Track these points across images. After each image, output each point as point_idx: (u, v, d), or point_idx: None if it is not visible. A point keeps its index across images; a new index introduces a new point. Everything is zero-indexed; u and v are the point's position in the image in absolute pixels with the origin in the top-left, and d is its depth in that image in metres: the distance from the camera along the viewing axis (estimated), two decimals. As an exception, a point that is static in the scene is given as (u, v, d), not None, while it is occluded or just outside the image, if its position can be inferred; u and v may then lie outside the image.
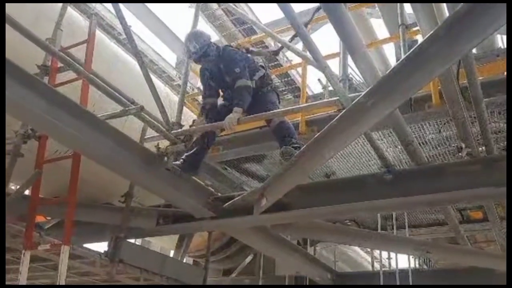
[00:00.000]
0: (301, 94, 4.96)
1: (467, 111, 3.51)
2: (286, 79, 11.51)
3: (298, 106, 4.18)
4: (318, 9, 4.20)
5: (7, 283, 3.93)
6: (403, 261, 7.65)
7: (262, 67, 4.25)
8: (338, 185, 3.94)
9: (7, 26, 2.80)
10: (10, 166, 3.47)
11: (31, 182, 3.59)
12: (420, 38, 3.43)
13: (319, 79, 5.40)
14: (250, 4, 10.37)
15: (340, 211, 3.79)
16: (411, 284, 6.06)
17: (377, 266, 9.18)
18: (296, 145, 3.72)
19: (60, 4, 3.97)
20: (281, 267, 7.26)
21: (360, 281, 7.02)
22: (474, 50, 3.59)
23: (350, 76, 4.53)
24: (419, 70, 2.55)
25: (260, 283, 7.00)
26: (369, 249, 9.73)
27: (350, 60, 3.31)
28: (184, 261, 6.19)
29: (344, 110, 3.02)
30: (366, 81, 3.19)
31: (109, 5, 9.28)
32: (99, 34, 4.57)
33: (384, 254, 9.33)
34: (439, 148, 4.62)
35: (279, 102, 4.36)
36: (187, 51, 4.02)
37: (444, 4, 2.83)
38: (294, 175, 3.47)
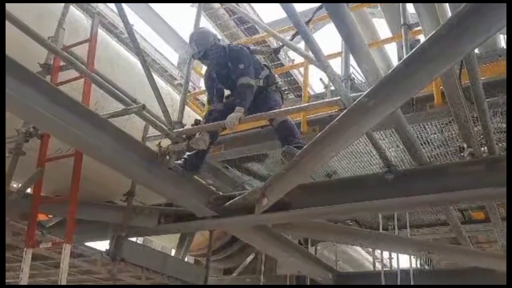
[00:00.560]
0: (303, 93, 4.97)
1: (469, 111, 3.50)
2: (288, 79, 11.52)
3: (299, 105, 4.17)
4: (319, 8, 4.19)
5: (8, 281, 3.94)
6: (404, 261, 7.67)
7: (266, 66, 4.24)
8: (340, 185, 3.93)
9: (9, 24, 2.80)
10: (12, 164, 3.48)
11: (33, 180, 3.60)
12: (422, 38, 3.43)
13: (321, 79, 5.39)
14: (253, 4, 10.38)
15: (341, 211, 3.79)
16: (412, 284, 6.05)
17: (378, 266, 9.18)
18: (298, 144, 3.71)
19: (62, 3, 3.98)
20: (282, 267, 7.26)
21: (361, 281, 7.01)
22: (476, 50, 3.59)
23: (352, 75, 4.51)
24: (421, 70, 2.55)
25: (261, 283, 7.00)
26: (370, 249, 9.72)
27: (352, 60, 3.31)
28: (186, 260, 6.20)
29: (345, 110, 3.01)
30: (368, 81, 3.18)
31: (111, 4, 9.30)
32: (101, 33, 4.58)
33: (386, 254, 9.32)
34: (441, 148, 4.61)
35: (283, 102, 4.35)
36: (192, 51, 3.97)
37: (447, 4, 2.83)
38: (295, 175, 3.46)
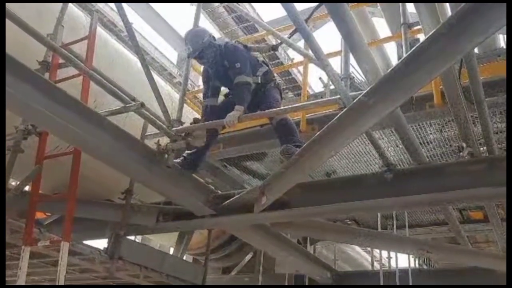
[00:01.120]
0: (302, 92, 4.96)
1: (469, 110, 3.50)
2: (287, 77, 11.52)
3: (299, 104, 4.17)
4: (318, 6, 4.18)
5: (6, 279, 3.93)
6: (403, 260, 7.66)
7: (264, 63, 4.23)
8: (339, 184, 3.93)
9: (8, 21, 2.79)
10: (10, 162, 3.47)
11: (31, 178, 3.59)
12: (421, 37, 3.42)
13: (320, 78, 5.38)
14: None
15: (340, 210, 3.79)
16: (411, 284, 6.05)
17: (377, 265, 9.17)
18: (297, 143, 3.71)
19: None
20: (281, 266, 7.26)
21: (359, 280, 7.01)
22: (476, 50, 3.58)
23: (352, 74, 4.51)
24: (421, 69, 2.54)
25: (259, 282, 6.99)
26: (369, 249, 9.72)
27: (351, 59, 3.30)
28: (184, 258, 6.19)
29: (345, 109, 3.01)
30: (367, 79, 3.18)
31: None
32: (100, 30, 4.57)
33: (384, 253, 9.33)
34: (440, 147, 4.61)
35: (282, 99, 4.35)
36: (186, 51, 3.95)
37: (447, 3, 2.83)
38: (294, 174, 3.46)
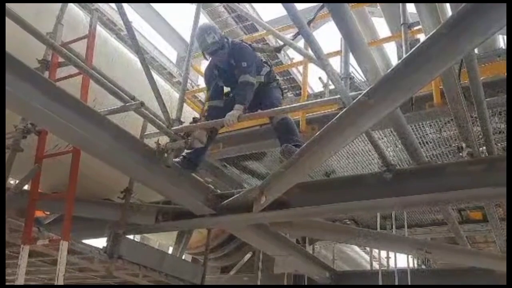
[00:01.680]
0: (302, 92, 4.96)
1: (468, 111, 3.50)
2: (287, 77, 11.51)
3: (298, 104, 4.17)
4: (321, 7, 4.19)
5: (5, 278, 3.93)
6: (402, 260, 7.67)
7: (266, 63, 4.23)
8: (338, 183, 3.93)
9: (8, 20, 2.78)
10: (9, 160, 3.46)
11: (30, 176, 3.59)
12: (421, 38, 3.42)
13: (319, 78, 5.37)
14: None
15: (339, 209, 3.78)
16: (409, 284, 6.05)
17: (376, 265, 9.17)
18: (297, 143, 3.71)
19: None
20: (279, 265, 7.25)
21: (358, 280, 7.01)
22: (476, 50, 3.58)
23: (352, 74, 4.51)
24: (421, 69, 2.54)
25: (258, 281, 7.00)
26: (368, 248, 9.73)
27: (351, 59, 3.30)
28: (183, 258, 6.19)
29: (345, 109, 3.01)
30: (367, 79, 3.17)
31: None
32: (100, 29, 4.56)
33: (383, 253, 9.34)
34: (439, 147, 4.61)
35: (283, 98, 4.35)
36: (202, 43, 3.90)
37: (447, 3, 2.83)
38: (294, 173, 3.46)
